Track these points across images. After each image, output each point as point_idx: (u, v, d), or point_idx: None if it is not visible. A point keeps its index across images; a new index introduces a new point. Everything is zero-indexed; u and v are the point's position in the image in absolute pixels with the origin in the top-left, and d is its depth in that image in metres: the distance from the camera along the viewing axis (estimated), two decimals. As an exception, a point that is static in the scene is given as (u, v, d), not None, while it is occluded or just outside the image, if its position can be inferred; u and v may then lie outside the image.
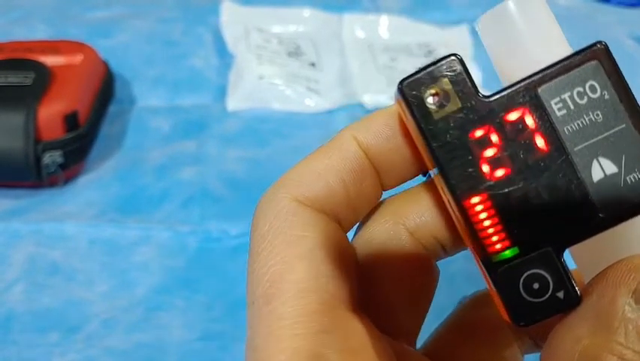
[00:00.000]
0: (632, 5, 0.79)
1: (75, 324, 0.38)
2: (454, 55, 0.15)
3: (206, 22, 0.68)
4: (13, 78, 0.49)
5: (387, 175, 0.17)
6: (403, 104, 0.15)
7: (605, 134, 0.15)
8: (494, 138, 0.15)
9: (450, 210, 0.16)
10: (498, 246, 0.15)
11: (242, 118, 0.56)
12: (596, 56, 0.15)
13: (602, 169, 0.14)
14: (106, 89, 0.55)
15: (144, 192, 0.48)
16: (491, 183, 0.15)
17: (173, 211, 0.46)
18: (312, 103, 0.58)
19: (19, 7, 0.71)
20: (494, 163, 0.15)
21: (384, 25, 0.68)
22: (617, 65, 0.15)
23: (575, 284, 0.15)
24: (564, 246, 0.15)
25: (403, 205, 0.18)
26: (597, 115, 0.15)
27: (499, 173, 0.15)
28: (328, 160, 0.17)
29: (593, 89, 0.15)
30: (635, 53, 0.69)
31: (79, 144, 0.48)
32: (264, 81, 0.58)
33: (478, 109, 0.15)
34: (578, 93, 0.15)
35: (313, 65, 0.62)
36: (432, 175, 0.17)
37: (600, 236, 0.15)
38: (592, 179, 0.14)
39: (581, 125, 0.15)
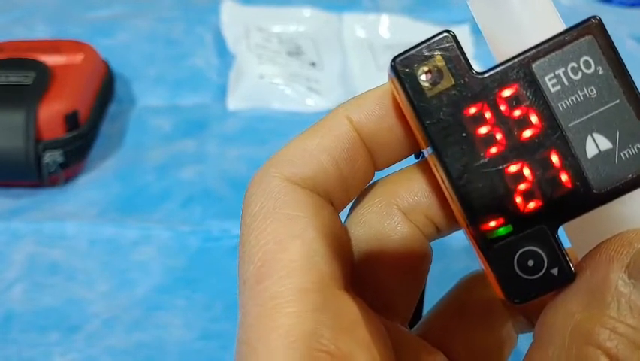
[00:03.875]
0: (633, 5, 0.79)
1: (75, 323, 0.38)
2: (447, 31, 0.15)
3: (206, 21, 0.68)
4: (13, 78, 0.49)
5: (380, 155, 0.17)
6: (396, 82, 0.15)
7: (600, 109, 0.14)
8: (488, 114, 0.15)
9: (444, 189, 0.16)
10: (492, 224, 0.15)
11: (242, 118, 0.56)
12: (591, 31, 0.15)
13: (596, 145, 0.14)
14: (106, 88, 0.55)
15: (144, 191, 0.48)
16: (485, 160, 0.15)
17: (173, 211, 0.46)
18: (312, 103, 0.58)
19: (19, 6, 0.71)
20: (488, 140, 0.15)
21: (385, 24, 0.68)
22: (611, 40, 0.15)
23: (569, 261, 0.15)
24: (558, 223, 0.15)
25: (396, 186, 0.18)
26: (591, 91, 0.14)
27: (493, 150, 0.15)
28: (320, 140, 0.16)
29: (587, 64, 0.15)
30: (636, 52, 0.69)
31: (79, 143, 0.48)
32: (265, 81, 0.58)
33: (471, 86, 0.15)
34: (572, 69, 0.15)
35: (314, 64, 0.62)
36: (425, 155, 0.17)
37: (594, 213, 0.15)
38: (586, 155, 0.14)
39: (575, 101, 0.14)
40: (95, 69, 0.54)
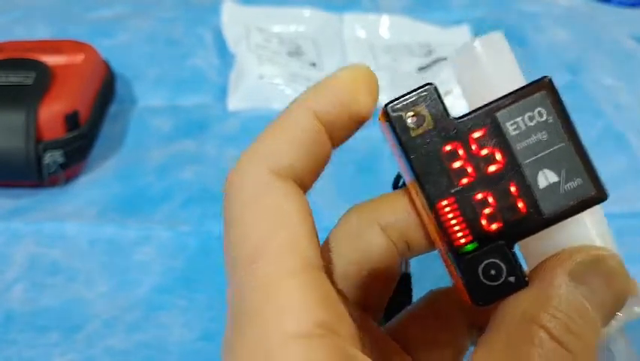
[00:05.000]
0: (632, 5, 0.79)
1: (75, 324, 0.38)
2: (430, 84, 0.18)
3: (206, 21, 0.68)
4: (13, 78, 0.49)
5: (337, 135, 0.19)
6: (387, 123, 0.19)
7: (549, 150, 0.18)
8: (461, 152, 0.18)
9: (422, 212, 0.19)
10: (462, 240, 0.18)
11: (242, 118, 0.56)
12: (543, 87, 0.19)
13: (546, 178, 0.18)
14: (107, 88, 0.55)
15: (145, 191, 0.48)
16: (458, 189, 0.18)
17: (173, 211, 0.46)
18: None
19: (20, 6, 0.71)
20: (460, 173, 0.18)
21: (385, 25, 0.68)
22: (559, 94, 0.18)
23: (523, 271, 0.18)
24: (515, 240, 0.18)
25: (380, 206, 0.21)
26: (543, 135, 0.18)
27: (465, 181, 0.18)
28: (292, 133, 0.19)
29: (540, 114, 0.18)
30: (635, 52, 0.69)
31: (80, 143, 0.48)
32: (265, 81, 0.58)
33: (448, 128, 0.18)
34: (529, 117, 0.18)
35: (314, 64, 0.62)
36: (406, 183, 0.20)
37: (542, 233, 0.18)
38: (538, 186, 0.18)
39: (530, 142, 0.18)
40: (96, 69, 0.54)
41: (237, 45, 0.64)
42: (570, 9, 0.77)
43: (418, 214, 0.20)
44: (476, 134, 0.18)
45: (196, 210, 0.46)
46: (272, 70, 0.59)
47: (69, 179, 0.48)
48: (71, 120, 0.47)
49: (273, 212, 0.18)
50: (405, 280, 0.23)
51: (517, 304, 0.17)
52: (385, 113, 0.19)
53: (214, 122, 0.55)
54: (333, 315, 0.17)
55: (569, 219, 0.18)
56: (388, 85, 0.59)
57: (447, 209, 0.18)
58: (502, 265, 0.18)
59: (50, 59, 0.51)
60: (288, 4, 0.71)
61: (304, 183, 0.19)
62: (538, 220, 0.18)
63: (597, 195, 0.18)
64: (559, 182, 0.18)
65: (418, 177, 0.18)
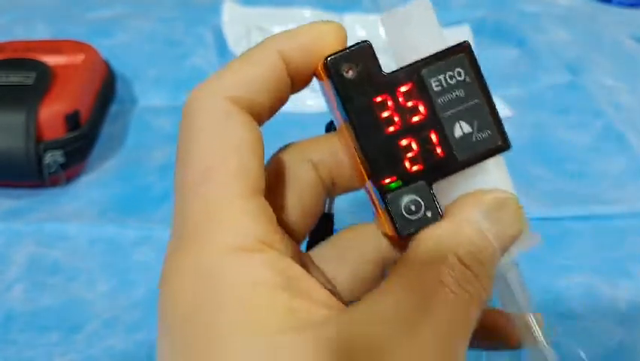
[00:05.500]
0: (633, 5, 0.79)
1: (76, 324, 0.38)
2: (366, 41, 0.21)
3: (207, 21, 0.68)
4: (14, 78, 0.49)
5: (298, 80, 0.21)
6: (326, 74, 0.20)
7: (465, 105, 0.21)
8: (389, 103, 0.20)
9: (353, 154, 0.21)
10: (387, 180, 0.20)
11: (243, 118, 0.56)
12: (463, 50, 0.21)
13: (461, 129, 0.21)
14: (107, 88, 0.55)
15: (145, 191, 0.48)
16: (386, 135, 0.20)
17: (173, 211, 0.46)
18: (312, 103, 0.58)
19: (20, 6, 0.71)
20: (388, 121, 0.20)
21: (386, 25, 0.68)
22: (475, 58, 0.21)
23: (439, 207, 0.21)
24: (433, 180, 0.21)
25: (312, 145, 0.23)
26: (461, 92, 0.20)
27: (392, 128, 0.20)
28: (257, 69, 0.20)
29: (459, 73, 0.20)
30: (635, 53, 0.69)
31: (80, 143, 0.48)
32: (265, 81, 0.58)
33: (379, 82, 0.20)
34: (449, 75, 0.20)
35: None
36: (337, 127, 0.22)
37: (457, 178, 0.21)
38: (454, 135, 0.21)
39: (449, 98, 0.20)
40: (96, 69, 0.54)
41: (238, 45, 0.64)
42: (570, 9, 0.77)
43: (348, 156, 0.22)
44: (403, 88, 0.20)
45: (196, 210, 0.46)
46: (272, 70, 0.59)
47: (69, 179, 0.48)
48: (72, 120, 0.47)
49: (227, 139, 0.19)
50: (327, 219, 0.25)
51: (432, 234, 0.19)
52: (325, 66, 0.20)
53: (214, 123, 0.55)
54: (274, 234, 0.19)
55: (480, 167, 0.21)
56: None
57: (376, 152, 0.20)
58: (421, 201, 0.20)
59: (51, 59, 0.51)
60: (289, 5, 0.71)
61: (260, 118, 0.20)
62: (453, 164, 0.21)
63: (502, 145, 0.21)
64: (472, 133, 0.21)
65: (352, 123, 0.20)
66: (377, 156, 0.20)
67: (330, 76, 0.20)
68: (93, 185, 0.48)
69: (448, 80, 0.21)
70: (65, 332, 0.37)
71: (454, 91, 0.21)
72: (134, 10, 0.71)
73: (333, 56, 0.20)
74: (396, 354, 0.17)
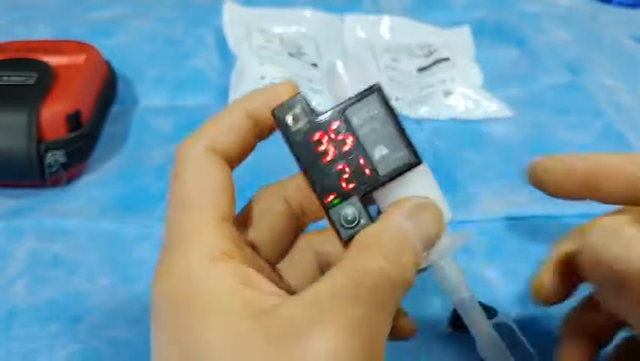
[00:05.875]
0: (633, 5, 0.79)
1: (77, 315, 0.38)
2: (299, 93, 0.26)
3: (208, 22, 0.68)
4: (15, 78, 0.49)
5: (263, 131, 0.27)
6: (275, 121, 0.26)
7: (380, 133, 0.26)
8: (325, 138, 0.26)
9: (306, 183, 0.26)
10: (330, 198, 0.25)
11: (243, 118, 0.56)
12: (374, 91, 0.26)
13: (380, 151, 0.25)
14: (108, 89, 0.55)
15: (146, 191, 0.48)
16: (325, 163, 0.26)
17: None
18: (313, 103, 0.58)
19: (21, 7, 0.71)
20: (325, 152, 0.26)
21: (386, 25, 0.69)
22: (385, 95, 0.26)
23: (369, 215, 0.25)
24: (365, 195, 0.25)
25: (286, 183, 0.29)
26: (376, 123, 0.26)
27: (328, 158, 0.26)
28: (228, 124, 0.26)
29: (373, 108, 0.26)
30: (635, 53, 0.69)
31: (81, 143, 0.48)
32: (266, 81, 0.58)
33: (315, 123, 0.26)
34: (366, 111, 0.26)
35: (315, 65, 0.63)
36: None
37: (385, 191, 0.26)
38: (375, 157, 0.26)
39: (369, 129, 0.26)
40: (97, 70, 0.54)
41: (238, 46, 0.64)
42: (570, 9, 0.77)
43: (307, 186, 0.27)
44: (334, 126, 0.26)
45: (197, 209, 0.46)
46: (273, 70, 0.59)
47: (71, 179, 0.48)
48: (73, 120, 0.48)
49: (204, 179, 0.25)
50: None
51: (362, 234, 0.25)
52: (273, 115, 0.26)
53: (215, 123, 0.55)
54: (235, 248, 0.25)
55: (403, 181, 0.26)
56: (389, 85, 0.60)
57: (319, 178, 0.25)
58: (356, 212, 0.25)
59: (52, 59, 0.51)
60: (289, 5, 0.71)
61: (231, 162, 0.26)
62: (378, 180, 0.25)
63: (414, 161, 0.26)
64: (389, 153, 0.25)
65: (297, 159, 0.26)
66: (320, 180, 0.25)
67: (277, 122, 0.26)
68: (94, 185, 0.49)
69: (366, 114, 0.26)
70: (67, 323, 0.38)
71: (371, 123, 0.26)
72: (134, 10, 0.71)
73: (277, 108, 0.26)
74: (327, 329, 0.22)
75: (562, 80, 0.63)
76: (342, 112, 0.26)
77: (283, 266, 0.30)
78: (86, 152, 0.49)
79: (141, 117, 0.56)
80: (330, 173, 0.25)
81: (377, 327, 0.23)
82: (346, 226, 0.25)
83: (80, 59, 0.52)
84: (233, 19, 0.67)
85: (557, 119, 0.58)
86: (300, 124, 0.25)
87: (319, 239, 0.29)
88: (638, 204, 0.28)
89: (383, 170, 0.25)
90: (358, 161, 0.25)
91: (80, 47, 0.54)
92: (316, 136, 0.25)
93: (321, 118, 0.26)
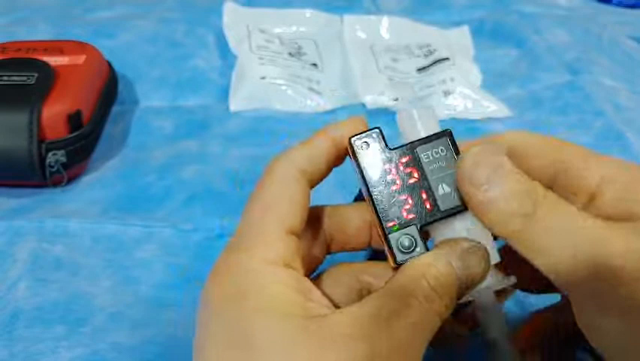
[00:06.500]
0: (632, 6, 0.79)
1: (81, 317, 0.38)
2: (378, 128, 0.28)
3: (208, 22, 0.68)
4: (16, 78, 0.49)
5: (342, 156, 0.30)
6: (350, 149, 0.28)
7: (446, 172, 0.28)
8: (393, 170, 0.28)
9: (369, 208, 0.28)
10: (390, 224, 0.27)
11: (244, 118, 0.56)
12: (446, 135, 0.28)
13: (443, 189, 0.28)
14: (109, 89, 0.55)
15: (147, 191, 0.48)
16: (389, 192, 0.28)
17: (175, 209, 0.46)
18: (313, 103, 0.58)
19: (22, 7, 0.72)
20: (392, 182, 0.28)
21: (386, 26, 0.69)
22: (454, 139, 0.28)
23: (425, 245, 0.27)
24: (423, 226, 0.27)
25: (319, 210, 0.31)
26: (443, 162, 0.28)
27: (394, 188, 0.28)
28: (318, 151, 0.29)
29: (442, 150, 0.28)
30: (636, 52, 0.69)
31: (82, 143, 0.48)
32: (266, 81, 0.58)
33: (387, 155, 0.28)
34: (435, 151, 0.28)
35: (315, 65, 0.63)
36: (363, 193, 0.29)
37: (441, 226, 0.28)
38: (439, 193, 0.28)
39: (436, 167, 0.28)
40: (98, 70, 0.54)
41: (239, 46, 0.64)
42: (570, 10, 0.77)
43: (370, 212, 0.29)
44: (404, 160, 0.28)
45: (198, 208, 0.46)
46: (273, 70, 0.59)
47: (71, 179, 0.49)
48: (74, 120, 0.48)
49: (287, 192, 0.27)
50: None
51: (414, 263, 0.27)
52: (349, 143, 0.28)
53: (216, 123, 0.56)
54: (296, 261, 0.27)
55: (459, 218, 0.28)
56: (389, 86, 0.60)
57: (383, 204, 0.28)
58: (412, 240, 0.27)
59: (53, 60, 0.51)
60: (289, 5, 0.71)
61: (314, 183, 0.29)
62: (437, 214, 0.27)
63: None
64: (451, 192, 0.27)
65: (367, 184, 0.28)
66: (384, 206, 0.28)
67: (352, 150, 0.28)
68: (95, 185, 0.49)
69: (435, 154, 0.28)
70: (71, 326, 0.38)
71: (439, 162, 0.28)
72: (135, 11, 0.71)
73: (354, 136, 0.28)
74: (375, 344, 0.24)
75: (561, 80, 0.63)
76: (413, 148, 0.28)
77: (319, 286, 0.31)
78: (87, 152, 0.50)
79: (141, 117, 0.56)
80: (394, 201, 0.28)
81: (413, 349, 0.25)
82: (403, 250, 0.27)
83: (81, 59, 0.52)
84: (234, 20, 0.67)
85: (557, 119, 0.58)
86: (373, 153, 0.28)
87: (360, 267, 0.31)
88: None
89: (443, 206, 0.27)
90: (421, 195, 0.27)
91: (80, 47, 0.54)
92: (386, 166, 0.28)
93: (394, 151, 0.28)
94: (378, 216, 0.28)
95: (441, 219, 0.27)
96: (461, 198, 0.27)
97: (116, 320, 0.38)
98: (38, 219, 0.44)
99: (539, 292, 0.32)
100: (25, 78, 0.49)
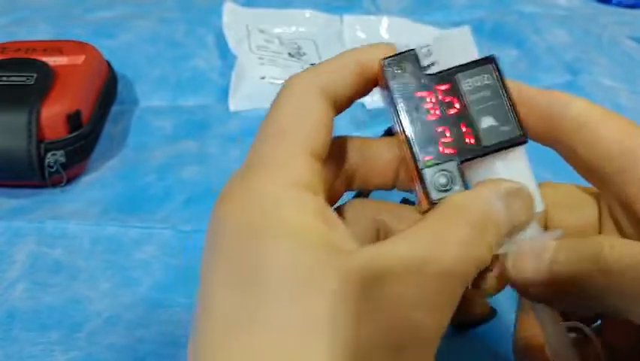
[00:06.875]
0: (632, 6, 0.79)
1: (77, 322, 0.38)
2: (413, 49, 0.26)
3: (208, 23, 0.68)
4: (15, 78, 0.49)
5: (370, 83, 0.26)
6: (382, 72, 0.25)
7: (490, 103, 0.25)
8: (430, 98, 0.25)
9: (402, 140, 0.25)
10: (426, 158, 0.24)
11: (244, 118, 0.56)
12: (490, 61, 0.25)
13: (488, 122, 0.25)
14: (108, 89, 0.55)
15: (146, 191, 0.48)
16: (425, 122, 0.25)
17: (175, 210, 0.46)
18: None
19: (22, 7, 0.72)
20: (428, 112, 0.25)
21: (385, 26, 0.69)
22: (499, 67, 0.25)
23: (464, 181, 0.24)
24: (462, 162, 0.25)
25: (351, 141, 0.28)
26: (486, 92, 0.25)
27: (432, 118, 0.25)
28: (342, 69, 0.25)
29: (486, 77, 0.25)
30: (635, 53, 0.69)
31: (81, 143, 0.48)
32: (266, 82, 0.58)
33: (423, 80, 0.25)
34: (479, 79, 0.25)
35: (314, 65, 0.63)
36: (394, 130, 0.26)
37: (483, 163, 0.25)
38: (482, 126, 0.25)
39: (478, 97, 0.25)
40: (97, 70, 0.54)
41: (238, 46, 0.64)
42: (570, 10, 0.77)
43: (400, 146, 0.26)
44: (442, 87, 0.25)
45: (197, 209, 0.46)
46: (273, 71, 0.59)
47: (71, 179, 0.49)
48: (73, 120, 0.48)
49: (306, 111, 0.24)
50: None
51: (453, 199, 0.24)
52: (381, 65, 0.25)
53: (215, 123, 0.56)
54: (320, 186, 0.23)
55: (502, 157, 0.25)
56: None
57: (419, 135, 0.25)
58: (450, 176, 0.24)
59: (52, 60, 0.51)
60: (289, 6, 0.71)
61: (338, 106, 0.25)
62: (479, 150, 0.25)
63: (521, 137, 0.25)
64: (496, 125, 0.25)
65: (397, 113, 0.25)
66: (419, 138, 0.24)
67: (383, 74, 0.25)
68: (94, 185, 0.49)
69: (478, 83, 0.25)
70: (67, 331, 0.38)
71: (482, 91, 0.25)
72: (135, 11, 0.71)
73: (387, 58, 0.25)
74: (408, 285, 0.21)
75: (561, 81, 0.63)
76: (453, 75, 0.25)
77: None
78: (86, 152, 0.49)
79: (141, 117, 0.56)
80: (430, 133, 0.24)
81: (446, 298, 0.22)
82: (439, 188, 0.24)
83: (80, 59, 0.52)
84: (233, 20, 0.67)
85: (557, 120, 0.58)
86: (407, 78, 0.25)
87: (376, 206, 0.28)
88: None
89: (487, 141, 0.24)
90: (461, 127, 0.25)
91: (79, 47, 0.54)
92: (422, 94, 0.25)
93: (431, 77, 0.25)
94: (411, 148, 0.24)
95: (483, 155, 0.25)
96: (507, 133, 0.25)
97: (113, 323, 0.38)
98: (38, 220, 0.44)
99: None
100: (24, 78, 0.49)
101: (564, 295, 0.24)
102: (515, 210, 0.24)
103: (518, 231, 0.25)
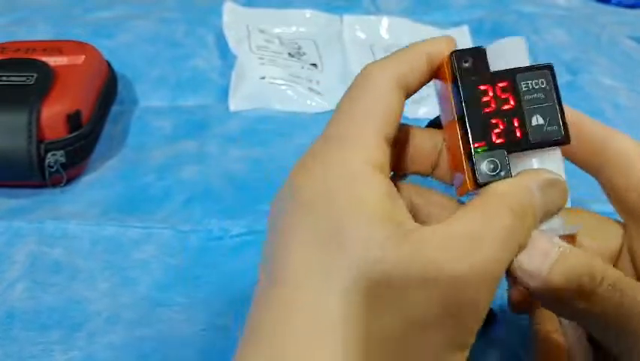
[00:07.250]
0: (632, 6, 0.79)
1: (77, 322, 0.38)
2: (481, 47, 0.28)
3: (208, 23, 0.68)
4: (15, 78, 0.49)
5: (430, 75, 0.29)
6: (450, 63, 0.28)
7: (542, 105, 0.27)
8: (490, 92, 0.27)
9: (458, 125, 0.27)
10: (478, 144, 0.27)
11: (244, 118, 0.56)
12: (548, 68, 0.28)
13: (537, 121, 0.27)
14: (108, 89, 0.55)
15: (146, 191, 0.48)
16: (483, 113, 0.27)
17: (174, 210, 0.46)
18: (313, 103, 0.58)
19: (21, 7, 0.72)
20: (487, 104, 0.27)
21: (385, 26, 0.69)
22: (555, 73, 0.28)
23: (510, 170, 0.27)
24: (510, 152, 0.27)
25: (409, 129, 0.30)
26: (541, 95, 0.28)
27: (488, 110, 0.27)
28: (414, 62, 0.28)
29: (542, 82, 0.28)
30: (635, 53, 0.69)
31: (81, 143, 0.48)
32: (266, 81, 0.58)
33: (486, 75, 0.27)
34: (535, 82, 0.28)
35: (314, 65, 0.63)
36: (444, 122, 0.29)
37: (528, 156, 0.28)
38: (531, 124, 0.27)
39: (532, 97, 0.27)
40: (97, 70, 0.54)
41: (238, 46, 0.64)
42: (569, 9, 0.77)
43: (451, 135, 0.29)
44: (501, 84, 0.27)
45: (197, 209, 0.46)
46: (273, 70, 0.59)
47: (71, 179, 0.49)
48: (73, 120, 0.48)
49: (383, 98, 0.27)
50: None
51: (497, 186, 0.26)
52: (451, 56, 0.28)
53: (215, 123, 0.56)
54: (388, 168, 0.26)
55: (545, 153, 0.28)
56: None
57: (475, 123, 0.27)
58: (499, 163, 0.27)
59: (52, 60, 0.51)
60: (289, 6, 0.71)
61: (408, 92, 0.28)
62: (526, 144, 0.27)
63: (564, 139, 0.27)
64: (544, 124, 0.27)
65: (460, 102, 0.27)
66: (475, 125, 0.27)
67: (451, 63, 0.27)
68: (94, 185, 0.49)
69: (534, 85, 0.27)
70: (66, 331, 0.38)
71: (537, 93, 0.27)
72: (135, 11, 0.71)
73: (458, 51, 0.28)
74: (461, 262, 0.23)
75: (560, 81, 0.61)
76: (513, 75, 0.27)
77: None
78: (86, 152, 0.49)
79: (141, 117, 0.56)
80: (485, 123, 0.27)
81: (493, 277, 0.24)
82: (486, 172, 0.27)
83: (80, 59, 0.52)
84: (234, 20, 0.67)
85: (556, 120, 0.58)
86: (474, 72, 0.27)
87: (411, 189, 0.30)
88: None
89: (533, 137, 0.27)
90: (513, 122, 0.27)
91: (79, 47, 0.54)
92: (484, 87, 0.27)
93: (493, 74, 0.27)
94: (466, 134, 0.27)
95: (528, 149, 0.27)
96: (552, 133, 0.27)
97: (113, 323, 0.38)
98: (38, 220, 0.44)
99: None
100: (24, 78, 0.49)
101: (559, 303, 0.26)
102: (551, 199, 0.26)
103: (551, 215, 0.27)
